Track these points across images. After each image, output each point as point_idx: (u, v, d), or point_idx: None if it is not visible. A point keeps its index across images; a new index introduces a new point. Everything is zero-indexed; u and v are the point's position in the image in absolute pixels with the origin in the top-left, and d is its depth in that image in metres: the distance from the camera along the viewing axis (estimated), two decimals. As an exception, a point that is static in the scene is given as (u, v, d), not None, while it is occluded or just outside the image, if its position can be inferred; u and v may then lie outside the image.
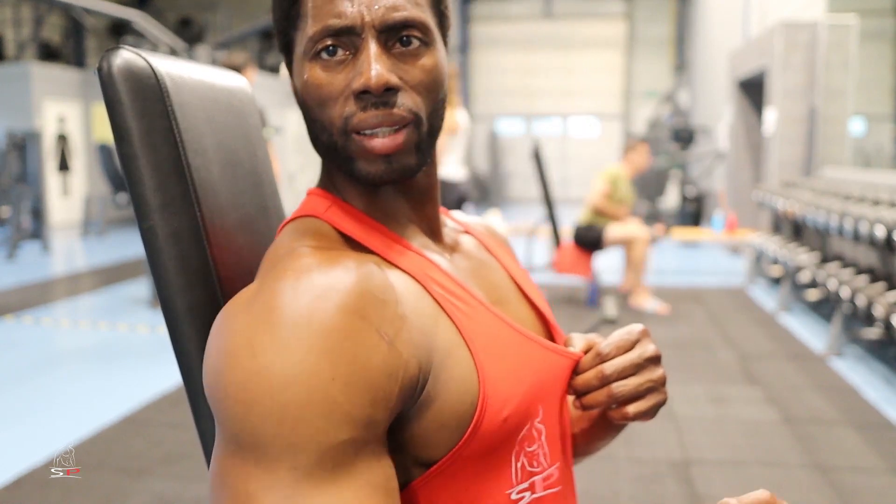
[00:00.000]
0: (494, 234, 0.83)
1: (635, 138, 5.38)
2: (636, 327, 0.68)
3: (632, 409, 0.65)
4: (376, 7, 0.57)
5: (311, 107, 0.60)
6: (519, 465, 0.60)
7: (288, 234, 0.62)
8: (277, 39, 0.65)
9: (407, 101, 0.58)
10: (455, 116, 4.42)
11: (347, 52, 0.58)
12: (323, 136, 0.61)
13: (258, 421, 0.47)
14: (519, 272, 0.77)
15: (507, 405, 0.57)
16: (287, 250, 0.58)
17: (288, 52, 0.64)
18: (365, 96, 0.57)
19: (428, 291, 0.59)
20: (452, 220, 0.78)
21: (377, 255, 0.60)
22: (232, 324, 0.51)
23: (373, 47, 0.57)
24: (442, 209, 0.73)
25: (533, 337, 0.64)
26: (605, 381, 0.65)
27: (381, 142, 0.58)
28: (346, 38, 0.58)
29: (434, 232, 0.69)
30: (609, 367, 0.65)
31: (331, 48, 0.58)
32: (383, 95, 0.57)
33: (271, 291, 0.51)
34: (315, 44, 0.58)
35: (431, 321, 0.56)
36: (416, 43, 0.59)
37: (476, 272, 0.70)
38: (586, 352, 0.67)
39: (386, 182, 0.61)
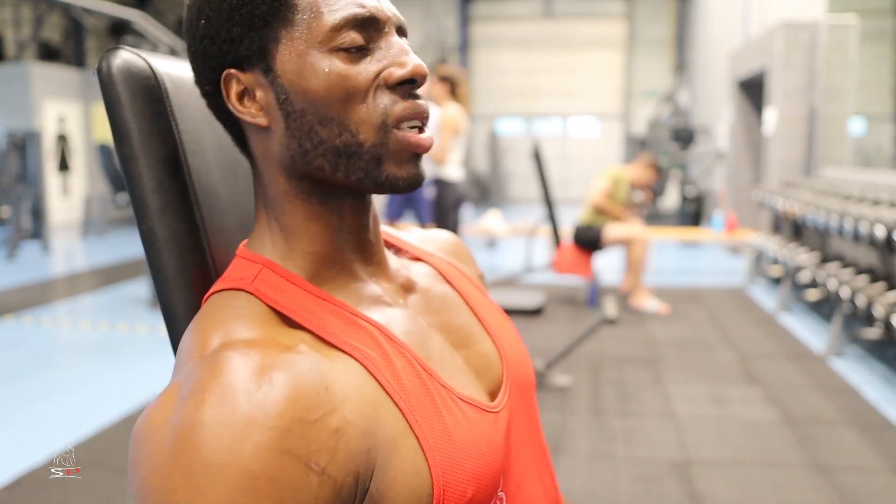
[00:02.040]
0: (449, 250, 0.77)
1: (652, 157, 5.36)
2: None
3: None
4: (387, 4, 0.57)
5: (328, 104, 0.54)
6: None
7: (212, 319, 0.54)
8: (221, 46, 0.56)
9: (424, 100, 0.57)
10: (460, 117, 4.43)
11: (368, 44, 0.55)
12: (340, 138, 0.54)
13: None
14: (477, 298, 0.71)
15: (470, 485, 0.53)
16: (210, 353, 0.50)
17: (261, 56, 0.55)
18: (402, 87, 0.55)
19: (370, 373, 0.53)
20: (401, 249, 0.71)
21: (313, 334, 0.53)
22: (148, 448, 0.46)
23: (399, 38, 0.56)
24: (382, 232, 0.67)
25: (479, 403, 0.59)
26: None
27: (422, 137, 0.56)
28: (368, 29, 0.55)
29: (374, 267, 0.62)
30: None
31: (355, 39, 0.54)
32: (415, 87, 0.56)
33: (191, 425, 0.45)
34: (338, 33, 0.54)
35: (373, 409, 0.51)
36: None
37: (434, 315, 0.64)
38: None
39: (409, 189, 0.57)
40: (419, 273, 0.68)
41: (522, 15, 15.40)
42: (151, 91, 0.60)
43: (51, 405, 3.27)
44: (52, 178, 9.53)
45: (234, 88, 0.56)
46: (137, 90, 0.59)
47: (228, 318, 0.53)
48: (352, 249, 0.60)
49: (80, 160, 10.31)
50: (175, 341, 0.62)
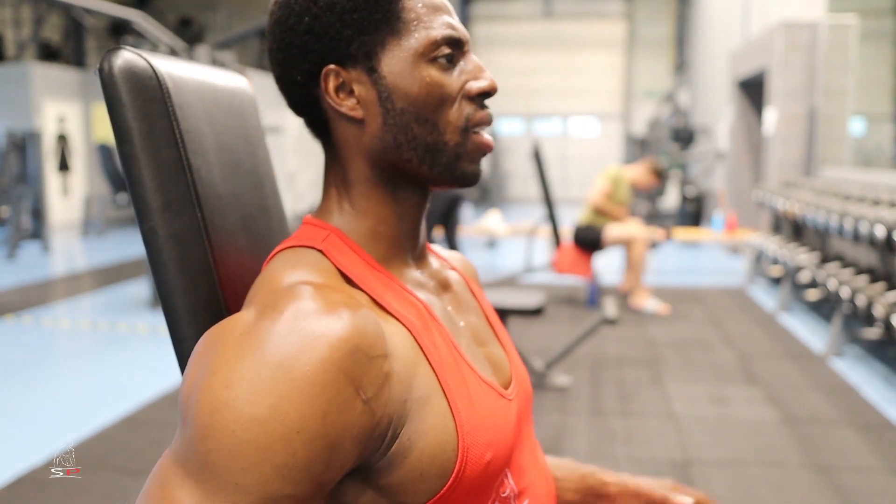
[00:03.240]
0: (465, 268, 0.85)
1: (655, 163, 5.35)
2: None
3: None
4: (463, 28, 0.66)
5: (426, 106, 0.62)
6: None
7: (285, 264, 0.61)
8: (326, 43, 0.62)
9: None
10: None
11: (455, 59, 0.64)
12: (431, 135, 0.62)
13: (213, 448, 0.48)
14: (491, 311, 0.81)
15: (489, 449, 0.59)
16: (288, 285, 0.57)
17: (367, 57, 0.62)
18: (480, 98, 0.64)
19: (414, 337, 0.59)
20: (441, 257, 0.80)
21: (370, 297, 0.60)
22: (219, 348, 0.52)
23: (475, 57, 0.65)
24: (428, 245, 0.75)
25: (497, 388, 0.66)
26: None
27: (490, 139, 0.66)
28: (455, 47, 0.63)
29: (419, 259, 0.70)
30: None
31: (448, 54, 0.63)
32: (489, 97, 0.65)
33: (265, 330, 0.51)
34: (437, 48, 0.62)
35: (414, 368, 0.57)
36: None
37: (462, 314, 0.73)
38: None
39: (475, 183, 0.66)
40: (453, 278, 0.77)
41: (522, 15, 15.40)
42: (153, 91, 0.60)
43: (51, 405, 3.27)
44: (52, 177, 9.53)
45: (333, 82, 0.63)
46: (139, 90, 0.59)
47: (300, 265, 0.60)
48: (407, 237, 0.68)
49: (80, 160, 10.30)
50: (176, 341, 0.62)
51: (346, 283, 0.60)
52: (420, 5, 0.62)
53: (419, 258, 0.70)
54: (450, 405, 0.58)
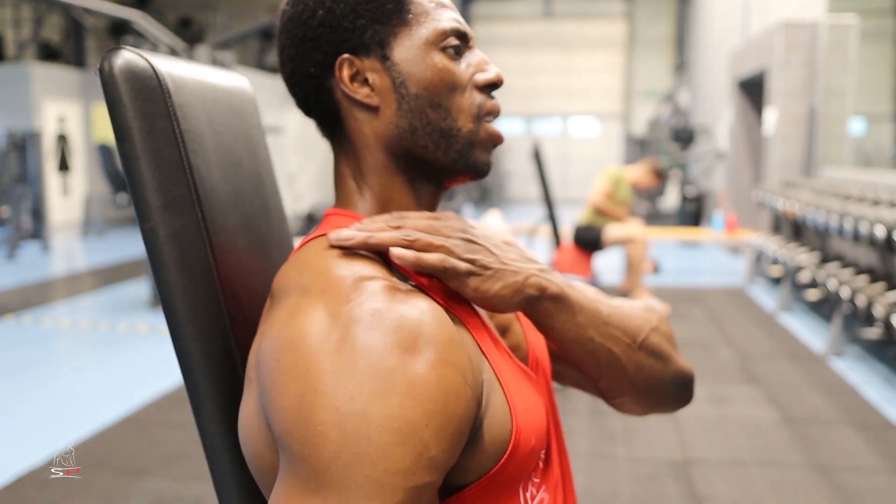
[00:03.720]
0: None
1: (656, 164, 5.34)
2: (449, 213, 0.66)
3: (430, 258, 0.59)
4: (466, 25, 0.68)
5: (439, 91, 0.64)
6: (528, 494, 0.64)
7: (330, 256, 0.59)
8: (341, 33, 0.63)
9: None
10: None
11: (461, 51, 0.66)
12: (445, 121, 0.64)
13: (350, 461, 0.48)
14: None
15: (533, 434, 0.61)
16: (353, 281, 0.55)
17: (380, 46, 0.64)
18: (488, 88, 0.66)
19: (468, 330, 0.61)
20: None
21: (415, 284, 0.60)
22: (316, 363, 0.50)
23: (479, 51, 0.68)
24: None
25: (528, 372, 0.67)
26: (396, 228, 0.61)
27: (499, 130, 0.68)
28: (462, 40, 0.66)
29: None
30: (402, 220, 0.62)
31: (456, 45, 0.65)
32: (495, 89, 0.67)
33: (362, 334, 0.51)
34: (446, 37, 0.64)
35: (475, 351, 0.59)
36: None
37: None
38: None
39: (486, 173, 0.67)
40: None
41: (522, 15, 15.41)
42: (153, 91, 0.60)
43: (51, 405, 3.27)
44: (52, 177, 9.53)
45: (347, 71, 0.64)
46: (139, 90, 0.59)
47: (352, 258, 0.59)
48: None
49: (80, 160, 10.30)
50: (176, 341, 0.62)
51: (391, 271, 0.60)
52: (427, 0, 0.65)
53: None
54: (502, 388, 0.59)
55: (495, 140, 0.67)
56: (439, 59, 0.64)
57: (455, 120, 0.64)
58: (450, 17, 0.66)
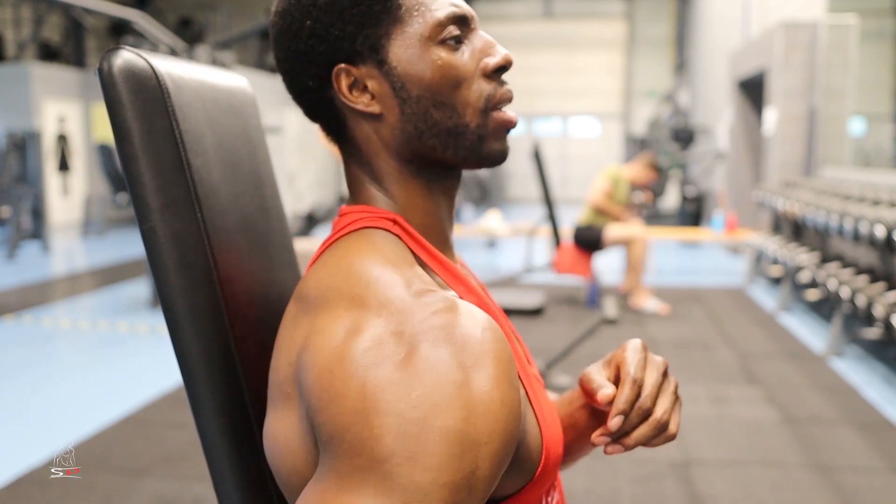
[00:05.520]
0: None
1: (651, 157, 5.35)
2: (637, 343, 0.68)
3: (672, 427, 0.65)
4: (468, 6, 0.64)
5: (441, 89, 0.61)
6: (549, 498, 0.64)
7: (373, 262, 0.57)
8: (332, 43, 0.61)
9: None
10: None
11: (463, 38, 0.63)
12: (451, 119, 0.61)
13: (401, 463, 0.46)
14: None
15: (559, 445, 0.60)
16: (411, 295, 0.53)
17: (374, 50, 0.61)
18: (497, 74, 0.63)
19: None
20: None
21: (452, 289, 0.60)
22: (380, 375, 0.48)
23: (483, 33, 0.64)
24: None
25: (539, 378, 0.66)
26: (646, 414, 0.64)
27: (512, 115, 0.65)
28: (462, 25, 0.62)
29: (452, 245, 0.70)
30: (646, 399, 0.64)
31: (456, 35, 0.61)
32: (505, 72, 0.64)
33: (421, 352, 0.49)
34: (444, 28, 0.60)
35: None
36: None
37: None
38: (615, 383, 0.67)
39: (503, 160, 0.65)
40: (466, 264, 0.76)
41: (522, 15, 15.40)
42: (153, 91, 0.60)
43: (51, 405, 3.27)
44: (52, 178, 9.53)
45: (345, 81, 0.62)
46: (139, 90, 0.59)
47: (391, 260, 0.58)
48: (447, 227, 0.68)
49: (80, 160, 10.31)
50: (176, 341, 0.62)
51: (423, 268, 0.60)
52: None
53: (450, 246, 0.69)
54: (530, 400, 0.58)
55: (508, 125, 0.64)
56: (438, 55, 0.60)
57: (462, 116, 0.61)
58: (446, 3, 0.61)
